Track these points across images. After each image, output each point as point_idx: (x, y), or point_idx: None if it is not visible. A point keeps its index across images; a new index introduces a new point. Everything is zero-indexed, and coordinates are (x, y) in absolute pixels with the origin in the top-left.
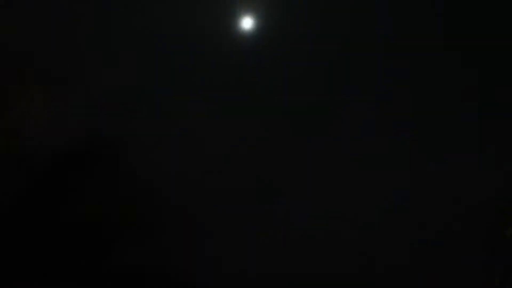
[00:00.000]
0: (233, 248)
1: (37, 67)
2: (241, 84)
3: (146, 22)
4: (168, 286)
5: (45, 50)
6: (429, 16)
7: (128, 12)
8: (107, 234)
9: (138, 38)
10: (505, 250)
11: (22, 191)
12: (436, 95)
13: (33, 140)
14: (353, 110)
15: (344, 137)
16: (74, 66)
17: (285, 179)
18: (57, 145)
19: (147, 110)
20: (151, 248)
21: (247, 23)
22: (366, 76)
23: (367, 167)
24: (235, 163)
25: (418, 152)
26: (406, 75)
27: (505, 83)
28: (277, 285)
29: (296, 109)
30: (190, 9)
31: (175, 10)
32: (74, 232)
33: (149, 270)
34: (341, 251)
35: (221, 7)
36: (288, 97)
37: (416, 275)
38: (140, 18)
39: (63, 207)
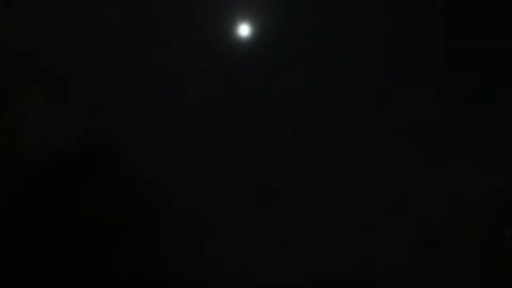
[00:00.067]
0: (233, 248)
1: (36, 67)
2: (240, 87)
3: (145, 25)
4: (168, 287)
5: (43, 50)
6: (429, 15)
7: (127, 15)
8: (107, 234)
9: (137, 40)
10: (505, 250)
11: (21, 192)
12: (436, 95)
13: (31, 141)
14: (353, 111)
15: (344, 137)
16: (74, 67)
17: (285, 179)
18: (56, 146)
19: (147, 111)
20: (151, 249)
21: (244, 30)
22: (365, 77)
23: (367, 167)
24: (235, 163)
25: (418, 152)
26: (406, 75)
27: (505, 83)
28: (277, 285)
29: (296, 110)
30: (188, 14)
31: (174, 14)
32: (73, 232)
33: (149, 270)
34: (341, 251)
35: (218, 13)
36: (287, 99)
37: (416, 275)
38: (138, 21)
39: (62, 208)
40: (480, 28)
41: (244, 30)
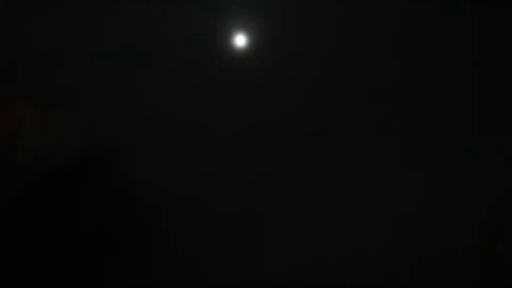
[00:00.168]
0: (221, 266)
1: (31, 77)
2: (234, 101)
3: (141, 38)
4: None
5: (39, 61)
6: (431, 16)
7: (123, 29)
8: (99, 245)
9: (132, 52)
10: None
11: (14, 200)
12: (436, 95)
13: (26, 149)
14: (349, 125)
15: (343, 154)
16: (70, 77)
17: (273, 206)
18: (51, 155)
19: (141, 124)
20: (139, 268)
21: (240, 40)
22: (362, 83)
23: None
24: (225, 185)
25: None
26: (406, 77)
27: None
28: None
29: (290, 125)
30: (184, 26)
31: (170, 27)
32: (67, 242)
33: (141, 283)
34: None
35: (215, 25)
36: (281, 112)
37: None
38: (134, 34)
39: (56, 217)
40: (481, 28)
41: (237, 47)
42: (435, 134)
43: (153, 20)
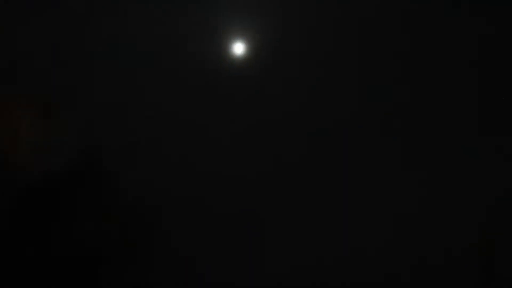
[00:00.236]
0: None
1: (30, 79)
2: (234, 101)
3: (140, 39)
4: None
5: (34, 68)
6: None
7: (122, 34)
8: (96, 250)
9: (133, 53)
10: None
11: (14, 204)
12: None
13: (26, 154)
14: (348, 130)
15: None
16: (66, 86)
17: (273, 206)
18: (48, 164)
19: (138, 133)
20: (140, 268)
21: (238, 48)
22: (362, 83)
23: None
24: (225, 185)
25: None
26: (406, 77)
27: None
28: None
29: (290, 125)
30: (184, 25)
31: (170, 27)
32: (65, 246)
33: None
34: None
35: (215, 24)
36: (281, 112)
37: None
38: (134, 34)
39: (54, 222)
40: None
41: (235, 54)
42: (435, 134)
43: (153, 20)
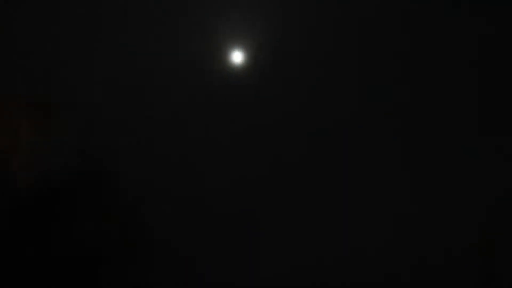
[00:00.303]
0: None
1: (26, 91)
2: (234, 101)
3: (137, 51)
4: None
5: (32, 73)
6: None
7: (118, 43)
8: (96, 250)
9: (128, 66)
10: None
11: (14, 204)
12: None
13: (22, 164)
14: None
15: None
16: (64, 92)
17: (272, 205)
18: (47, 169)
19: (137, 140)
20: (139, 268)
21: (237, 57)
22: (362, 83)
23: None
24: (225, 185)
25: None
26: (406, 77)
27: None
28: None
29: (290, 125)
30: (180, 42)
31: (167, 44)
32: (65, 246)
33: None
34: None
35: (211, 41)
36: (281, 112)
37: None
38: (131, 47)
39: (54, 222)
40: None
41: (234, 64)
42: (435, 134)
43: (153, 20)
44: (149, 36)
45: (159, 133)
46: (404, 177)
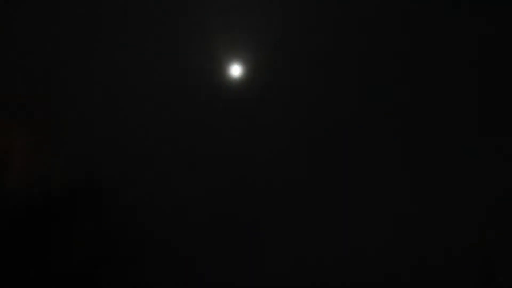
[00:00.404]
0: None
1: (22, 105)
2: (234, 101)
3: (136, 65)
4: None
5: (30, 87)
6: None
7: (115, 57)
8: (96, 250)
9: (126, 79)
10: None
11: (14, 204)
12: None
13: (20, 179)
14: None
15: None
16: (62, 106)
17: (272, 205)
18: (44, 184)
19: (133, 151)
20: (139, 268)
21: (235, 70)
22: (362, 83)
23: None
24: (225, 185)
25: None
26: (406, 77)
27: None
28: None
29: (290, 125)
30: (177, 56)
31: (164, 57)
32: (64, 246)
33: None
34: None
35: (209, 54)
36: (279, 121)
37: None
38: (128, 61)
39: (54, 222)
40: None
41: (232, 77)
42: (435, 134)
43: (152, 20)
44: (149, 36)
45: (159, 133)
46: (404, 177)
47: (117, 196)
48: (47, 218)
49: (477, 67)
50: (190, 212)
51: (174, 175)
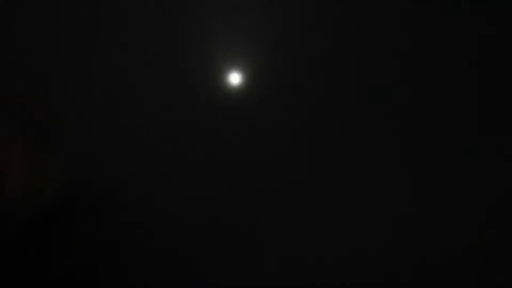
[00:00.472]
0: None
1: (20, 114)
2: (234, 100)
3: (133, 72)
4: None
5: (27, 95)
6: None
7: (115, 57)
8: (96, 250)
9: (124, 87)
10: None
11: (5, 241)
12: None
13: (17, 190)
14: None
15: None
16: (59, 114)
17: (272, 205)
18: (42, 195)
19: (137, 141)
20: (139, 271)
21: (235, 78)
22: (362, 83)
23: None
24: (225, 185)
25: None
26: (406, 77)
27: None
28: None
29: (289, 125)
30: (175, 63)
31: (160, 65)
32: (64, 246)
33: None
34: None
35: (208, 62)
36: (277, 143)
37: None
38: (125, 69)
39: (54, 222)
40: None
41: (231, 85)
42: (435, 134)
43: (152, 20)
44: (149, 36)
45: (159, 133)
46: (404, 177)
47: (117, 196)
48: (47, 218)
49: (477, 67)
50: (190, 212)
51: (174, 175)
